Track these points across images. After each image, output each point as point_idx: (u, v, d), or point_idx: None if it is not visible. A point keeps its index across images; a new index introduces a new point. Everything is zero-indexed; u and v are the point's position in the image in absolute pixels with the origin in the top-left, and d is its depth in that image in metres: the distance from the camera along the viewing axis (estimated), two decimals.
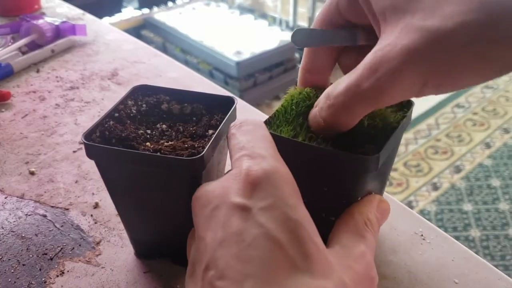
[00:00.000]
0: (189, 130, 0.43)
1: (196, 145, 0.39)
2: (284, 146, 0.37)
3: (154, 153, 0.38)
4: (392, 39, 0.30)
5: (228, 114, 0.42)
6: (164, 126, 0.44)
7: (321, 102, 0.36)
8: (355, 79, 0.32)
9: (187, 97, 0.46)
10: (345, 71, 0.40)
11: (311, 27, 0.40)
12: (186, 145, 0.39)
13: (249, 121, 0.35)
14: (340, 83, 0.34)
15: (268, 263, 0.27)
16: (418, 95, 0.33)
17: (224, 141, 0.43)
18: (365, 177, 0.37)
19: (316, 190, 0.39)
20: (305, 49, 0.41)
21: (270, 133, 0.38)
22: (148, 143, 0.40)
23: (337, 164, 0.37)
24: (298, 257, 0.27)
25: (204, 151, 0.36)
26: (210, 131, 0.42)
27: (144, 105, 0.45)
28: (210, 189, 0.32)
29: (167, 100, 0.46)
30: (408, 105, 0.42)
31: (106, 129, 0.41)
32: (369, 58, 0.32)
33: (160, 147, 0.39)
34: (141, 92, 0.47)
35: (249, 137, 0.34)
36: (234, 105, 0.44)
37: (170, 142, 0.40)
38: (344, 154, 0.36)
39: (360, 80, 0.32)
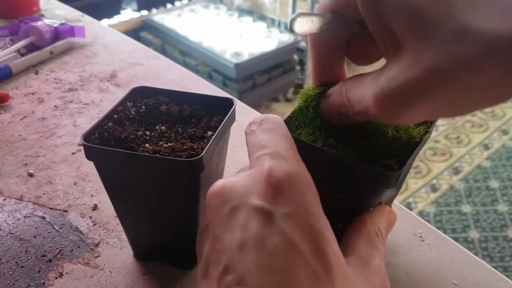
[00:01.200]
0: (188, 132, 0.43)
1: (195, 147, 0.39)
2: (303, 149, 0.34)
3: (153, 155, 0.38)
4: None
5: (227, 116, 0.42)
6: (163, 127, 0.44)
7: (359, 95, 0.32)
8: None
9: (186, 98, 0.46)
10: (355, 60, 0.38)
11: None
12: (185, 147, 0.39)
13: (270, 119, 0.33)
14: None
15: (289, 273, 0.26)
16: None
17: (224, 142, 0.43)
18: (383, 191, 0.36)
19: (329, 196, 0.37)
20: (310, 42, 0.37)
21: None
22: (147, 145, 0.40)
23: (356, 174, 0.35)
24: (319, 269, 0.27)
25: (203, 153, 0.36)
26: (209, 133, 0.42)
27: (143, 106, 0.45)
28: (229, 186, 0.30)
29: (166, 102, 0.46)
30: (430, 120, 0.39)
31: (105, 130, 0.41)
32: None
33: (159, 148, 0.39)
34: (140, 93, 0.47)
35: (271, 135, 0.32)
36: (233, 107, 0.44)
37: (169, 144, 0.40)
38: (366, 167, 0.34)
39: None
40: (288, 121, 0.38)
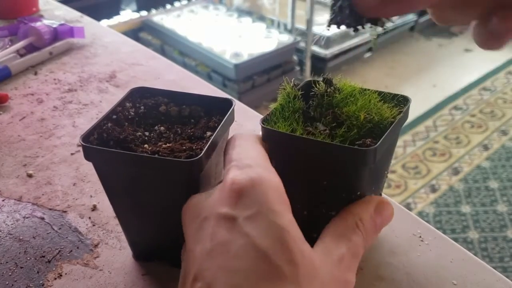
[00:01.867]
0: (187, 132, 0.43)
1: (194, 147, 0.39)
2: (282, 141, 0.38)
3: (151, 155, 0.38)
4: None
5: (226, 116, 0.42)
6: (162, 128, 0.44)
7: None
8: None
9: (185, 99, 0.46)
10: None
11: None
12: (184, 147, 0.39)
13: (240, 135, 0.36)
14: None
15: (253, 274, 0.27)
16: None
17: (222, 143, 0.43)
18: (363, 170, 0.38)
19: (316, 184, 0.40)
20: None
21: (268, 128, 0.39)
22: (146, 145, 0.40)
23: (335, 157, 0.37)
24: (283, 264, 0.27)
25: (201, 153, 0.36)
26: (208, 133, 0.42)
27: (142, 107, 0.45)
28: (199, 200, 0.33)
29: (165, 102, 0.46)
30: (405, 101, 0.42)
31: (104, 131, 0.40)
32: None
33: (158, 149, 0.39)
34: (139, 94, 0.47)
35: (238, 149, 0.34)
36: (232, 107, 0.44)
37: (168, 144, 0.40)
38: (342, 147, 0.37)
39: None
40: (267, 118, 0.41)
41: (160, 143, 0.41)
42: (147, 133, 0.43)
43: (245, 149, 0.34)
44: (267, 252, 0.27)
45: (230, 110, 0.43)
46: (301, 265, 0.28)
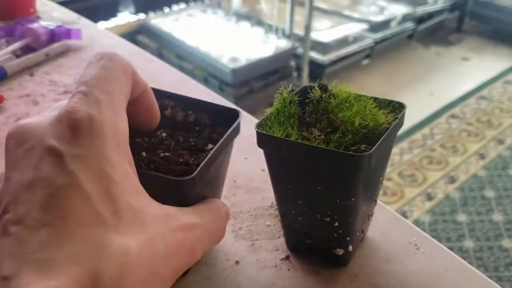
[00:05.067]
0: (188, 142, 0.41)
1: (190, 161, 0.37)
2: (277, 146, 0.38)
3: (143, 169, 0.36)
4: None
5: (230, 129, 0.40)
6: (164, 134, 0.42)
7: None
8: None
9: (192, 104, 0.44)
10: None
11: None
12: (181, 160, 0.37)
13: (114, 57, 0.32)
14: None
15: (71, 215, 0.25)
16: None
17: (224, 156, 0.41)
18: (358, 176, 0.38)
19: (311, 190, 0.40)
20: None
21: (263, 133, 0.38)
22: (143, 153, 0.38)
23: (330, 163, 0.37)
24: (106, 213, 0.26)
25: (195, 173, 0.34)
26: (210, 146, 0.40)
27: None
28: (29, 126, 0.29)
29: (171, 106, 0.44)
30: (400, 107, 0.42)
31: None
32: None
33: (154, 158, 0.37)
34: None
35: (102, 73, 0.30)
36: (238, 120, 0.41)
37: (166, 154, 0.38)
38: (336, 152, 0.36)
39: None
40: (262, 123, 0.40)
41: (159, 151, 0.39)
42: (146, 139, 0.40)
43: (108, 76, 0.30)
44: (90, 197, 0.25)
45: (236, 123, 0.40)
46: (126, 217, 0.26)
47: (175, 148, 0.40)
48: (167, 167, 0.36)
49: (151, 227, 0.28)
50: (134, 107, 0.34)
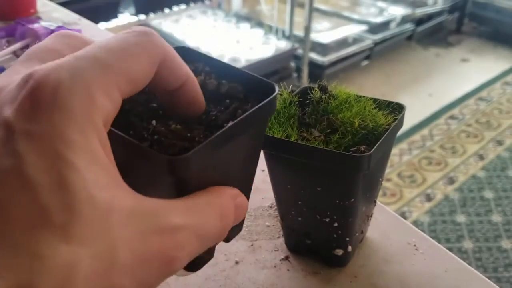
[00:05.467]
0: (209, 115, 0.34)
1: (197, 138, 0.31)
2: (277, 147, 0.38)
3: (127, 136, 0.29)
4: None
5: (258, 106, 0.32)
6: None
7: None
8: None
9: (228, 73, 0.37)
10: None
11: None
12: (188, 134, 0.31)
13: (145, 35, 0.26)
14: None
15: (5, 209, 0.20)
16: None
17: (249, 137, 0.34)
18: (357, 177, 0.38)
19: (310, 190, 0.40)
20: None
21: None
22: (154, 121, 0.32)
23: (330, 164, 0.37)
24: (54, 208, 0.20)
25: (191, 152, 0.27)
26: (230, 123, 0.32)
27: None
28: None
29: (205, 72, 0.37)
30: (400, 108, 0.42)
31: None
32: None
33: (162, 129, 0.31)
34: (181, 55, 0.35)
35: (114, 43, 0.24)
36: (273, 95, 0.33)
37: (178, 126, 0.32)
38: (336, 153, 0.37)
39: None
40: None
41: (171, 122, 0.32)
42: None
43: (117, 50, 0.24)
44: (35, 187, 0.20)
45: (269, 99, 0.32)
46: (82, 214, 0.20)
47: (191, 121, 0.33)
48: (169, 142, 0.29)
49: (118, 229, 0.22)
50: (173, 98, 0.30)
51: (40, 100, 0.21)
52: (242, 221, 0.31)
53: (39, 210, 0.20)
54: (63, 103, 0.21)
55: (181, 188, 0.29)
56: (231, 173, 0.33)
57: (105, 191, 0.22)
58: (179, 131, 0.30)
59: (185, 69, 0.29)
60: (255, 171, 0.36)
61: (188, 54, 0.37)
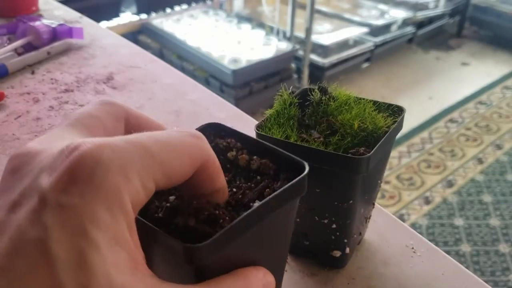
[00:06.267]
0: (237, 194, 0.32)
1: (221, 220, 0.28)
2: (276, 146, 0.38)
3: (149, 224, 0.27)
4: None
5: (286, 186, 0.31)
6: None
7: None
8: None
9: (259, 149, 0.36)
10: None
11: None
12: (211, 214, 0.29)
13: (193, 138, 0.26)
14: None
15: (22, 282, 0.20)
16: None
17: (278, 218, 0.32)
18: (356, 179, 0.38)
19: (309, 191, 0.40)
20: None
21: (262, 134, 0.39)
22: (171, 197, 0.30)
23: (329, 165, 0.37)
24: (71, 284, 0.20)
25: (208, 241, 0.26)
26: (258, 203, 0.31)
27: (212, 146, 0.32)
28: (35, 151, 0.24)
29: (237, 147, 0.37)
30: (399, 111, 0.42)
31: None
32: None
33: (182, 206, 0.29)
34: (213, 130, 0.38)
35: (162, 137, 0.25)
36: (303, 174, 0.32)
37: (198, 206, 0.29)
38: (335, 155, 0.37)
39: None
40: (261, 124, 0.41)
41: (194, 201, 0.29)
42: None
43: (161, 147, 0.24)
44: (55, 262, 0.20)
45: (297, 179, 0.31)
46: None
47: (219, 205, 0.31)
48: (192, 225, 0.27)
49: None
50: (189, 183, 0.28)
51: (78, 175, 0.21)
52: None
53: (54, 286, 0.20)
54: (99, 180, 0.21)
55: (201, 274, 0.27)
56: (257, 254, 0.31)
57: (123, 275, 0.21)
58: (202, 212, 0.28)
59: (222, 179, 0.29)
60: (287, 249, 0.35)
61: (220, 129, 0.38)
